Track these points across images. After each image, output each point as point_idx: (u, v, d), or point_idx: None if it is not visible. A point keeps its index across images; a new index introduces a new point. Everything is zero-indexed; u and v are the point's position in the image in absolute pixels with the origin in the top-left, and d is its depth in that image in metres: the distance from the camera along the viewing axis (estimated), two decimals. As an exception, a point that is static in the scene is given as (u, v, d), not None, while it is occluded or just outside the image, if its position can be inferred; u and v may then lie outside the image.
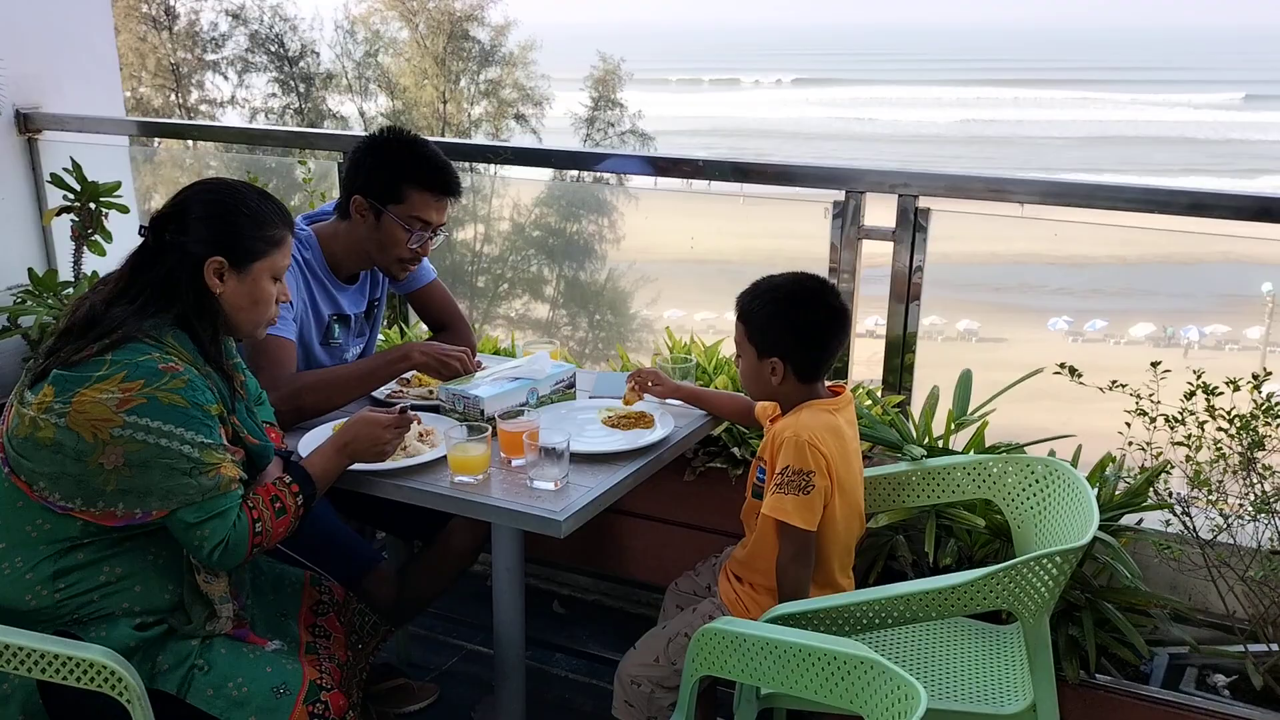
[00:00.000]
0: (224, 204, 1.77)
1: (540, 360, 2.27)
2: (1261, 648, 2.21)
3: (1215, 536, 2.19)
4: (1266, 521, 2.14)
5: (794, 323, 1.93)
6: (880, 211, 2.67)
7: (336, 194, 2.56)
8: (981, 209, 2.59)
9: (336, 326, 2.43)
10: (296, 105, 23.95)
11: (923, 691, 1.31)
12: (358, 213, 2.31)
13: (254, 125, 12.91)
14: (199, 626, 1.75)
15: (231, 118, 23.14)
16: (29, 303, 3.48)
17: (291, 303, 2.13)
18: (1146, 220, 2.57)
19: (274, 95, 23.80)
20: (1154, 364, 2.20)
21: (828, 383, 2.01)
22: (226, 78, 23.41)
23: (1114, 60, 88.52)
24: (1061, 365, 2.29)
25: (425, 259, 2.60)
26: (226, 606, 1.79)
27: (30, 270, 3.60)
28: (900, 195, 2.59)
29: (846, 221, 2.67)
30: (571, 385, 2.32)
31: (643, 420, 2.16)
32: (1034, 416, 2.66)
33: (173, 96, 22.28)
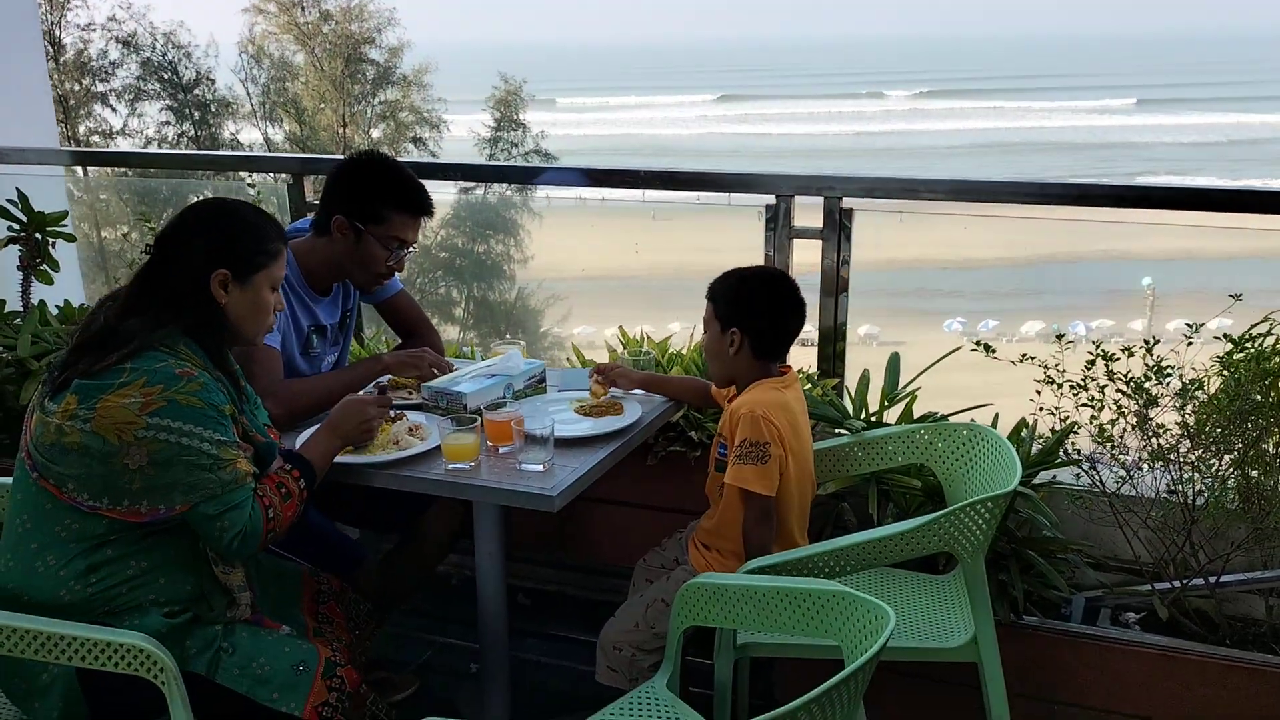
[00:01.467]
0: (225, 221, 1.93)
1: (513, 358, 2.45)
2: (1165, 585, 2.50)
3: (1119, 488, 2.48)
4: (1162, 471, 2.44)
5: (754, 298, 2.19)
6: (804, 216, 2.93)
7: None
8: (898, 207, 2.86)
9: (315, 337, 2.57)
10: (192, 133, 23.46)
11: (890, 611, 1.54)
12: (338, 231, 2.46)
13: (202, 152, 12.65)
14: (221, 613, 1.89)
15: (124, 147, 22.53)
16: (-22, 333, 3.51)
17: (284, 312, 2.27)
18: (1040, 211, 2.88)
19: (168, 123, 23.28)
20: (1059, 336, 2.49)
21: (777, 365, 2.25)
22: (115, 110, 22.80)
23: (1007, 69, 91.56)
24: (977, 343, 2.57)
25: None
26: (245, 595, 1.93)
27: (-22, 301, 3.62)
28: (826, 197, 2.84)
29: (779, 224, 2.92)
30: (543, 380, 2.51)
31: (613, 408, 2.36)
32: (953, 397, 2.93)
33: (65, 129, 21.61)
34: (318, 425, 2.11)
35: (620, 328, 3.02)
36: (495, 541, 2.35)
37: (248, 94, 23.99)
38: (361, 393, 2.50)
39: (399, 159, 2.59)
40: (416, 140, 24.29)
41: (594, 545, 3.07)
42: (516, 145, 25.01)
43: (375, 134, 24.26)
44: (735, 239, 2.96)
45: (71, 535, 1.80)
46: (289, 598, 2.13)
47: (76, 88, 22.19)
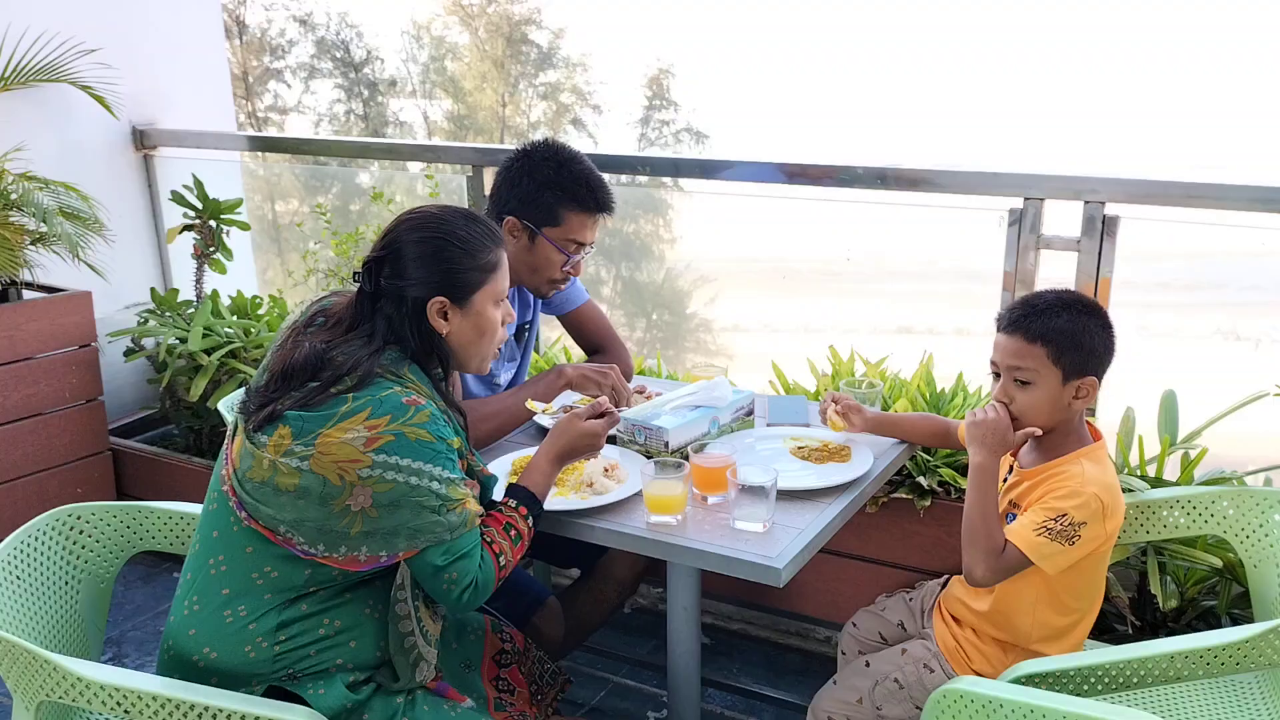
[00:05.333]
0: (435, 240, 1.67)
1: (720, 386, 2.13)
2: None
3: None
4: None
5: (1101, 335, 1.78)
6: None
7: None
8: (1176, 216, 2.40)
9: (491, 350, 2.32)
10: (360, 111, 24.15)
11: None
12: (510, 234, 2.20)
13: (378, 139, 12.91)
14: (408, 680, 1.65)
15: (296, 123, 23.41)
16: (151, 323, 3.44)
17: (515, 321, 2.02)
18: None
19: (339, 101, 24.03)
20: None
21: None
22: (289, 86, 23.66)
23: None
24: (1282, 387, 2.10)
25: (578, 280, 2.49)
26: (432, 651, 1.68)
27: (153, 290, 3.56)
28: (1086, 202, 2.41)
29: (1023, 230, 2.50)
30: (751, 412, 2.18)
31: (839, 453, 2.01)
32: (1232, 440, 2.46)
33: (245, 104, 22.57)
34: (519, 454, 1.85)
35: (831, 347, 2.65)
36: (691, 594, 2.05)
37: (407, 74, 24.51)
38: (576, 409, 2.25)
39: (575, 149, 2.28)
40: (575, 122, 24.33)
41: (794, 594, 2.73)
42: (667, 124, 24.77)
43: (534, 115, 24.42)
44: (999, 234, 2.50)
45: (269, 585, 1.58)
46: (469, 657, 1.87)
47: (257, 64, 23.11)
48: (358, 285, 1.68)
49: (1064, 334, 1.76)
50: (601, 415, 1.84)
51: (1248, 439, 2.34)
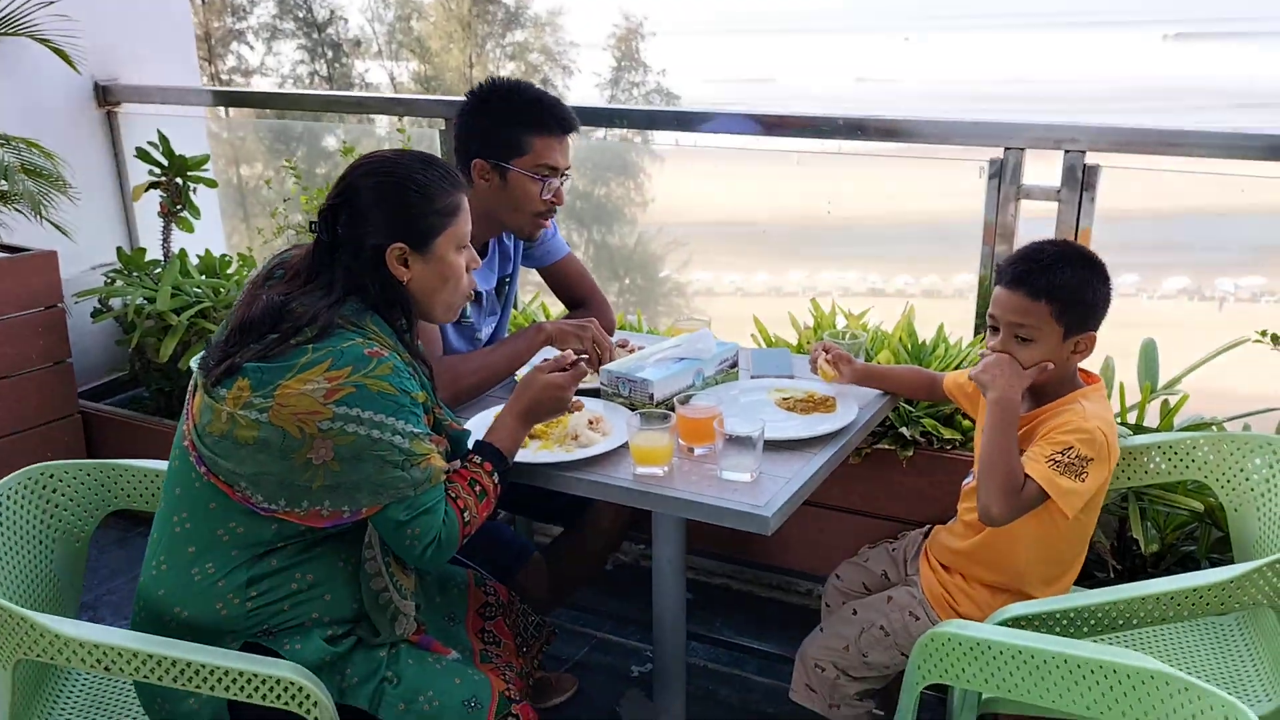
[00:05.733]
0: (391, 185, 1.62)
1: (704, 338, 2.10)
2: None
3: None
4: None
5: (1101, 290, 1.77)
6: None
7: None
8: (1154, 164, 2.40)
9: (468, 305, 2.29)
10: (325, 72, 23.75)
11: (1252, 717, 1.16)
12: (480, 177, 2.16)
13: (347, 93, 12.65)
14: (388, 634, 1.63)
15: (260, 86, 22.99)
16: (119, 282, 3.37)
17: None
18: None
19: (302, 62, 23.61)
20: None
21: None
22: (252, 47, 23.21)
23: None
24: (1263, 333, 2.12)
25: (559, 234, 2.45)
26: (409, 604, 1.66)
27: (119, 249, 3.48)
28: (1067, 151, 2.40)
29: (1004, 181, 2.49)
30: (735, 364, 2.16)
31: (824, 404, 2.00)
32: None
33: (207, 67, 22.11)
34: (500, 408, 1.82)
35: (813, 300, 2.64)
36: (677, 547, 2.05)
37: (373, 34, 24.10)
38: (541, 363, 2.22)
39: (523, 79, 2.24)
40: (544, 83, 24.06)
41: (776, 547, 2.74)
42: (637, 85, 24.56)
43: (503, 75, 24.10)
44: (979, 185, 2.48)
45: (236, 541, 1.55)
46: (453, 610, 1.86)
47: (218, 25, 22.62)
48: (315, 235, 1.64)
49: (1067, 290, 1.74)
50: (567, 369, 1.80)
51: (1225, 395, 2.34)
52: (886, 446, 2.31)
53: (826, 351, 2.04)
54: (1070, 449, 1.71)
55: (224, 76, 22.31)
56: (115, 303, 3.40)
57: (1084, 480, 1.70)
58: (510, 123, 2.12)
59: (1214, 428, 2.14)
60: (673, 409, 1.86)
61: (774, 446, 1.85)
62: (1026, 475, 1.72)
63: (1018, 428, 1.78)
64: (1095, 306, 1.76)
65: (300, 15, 23.10)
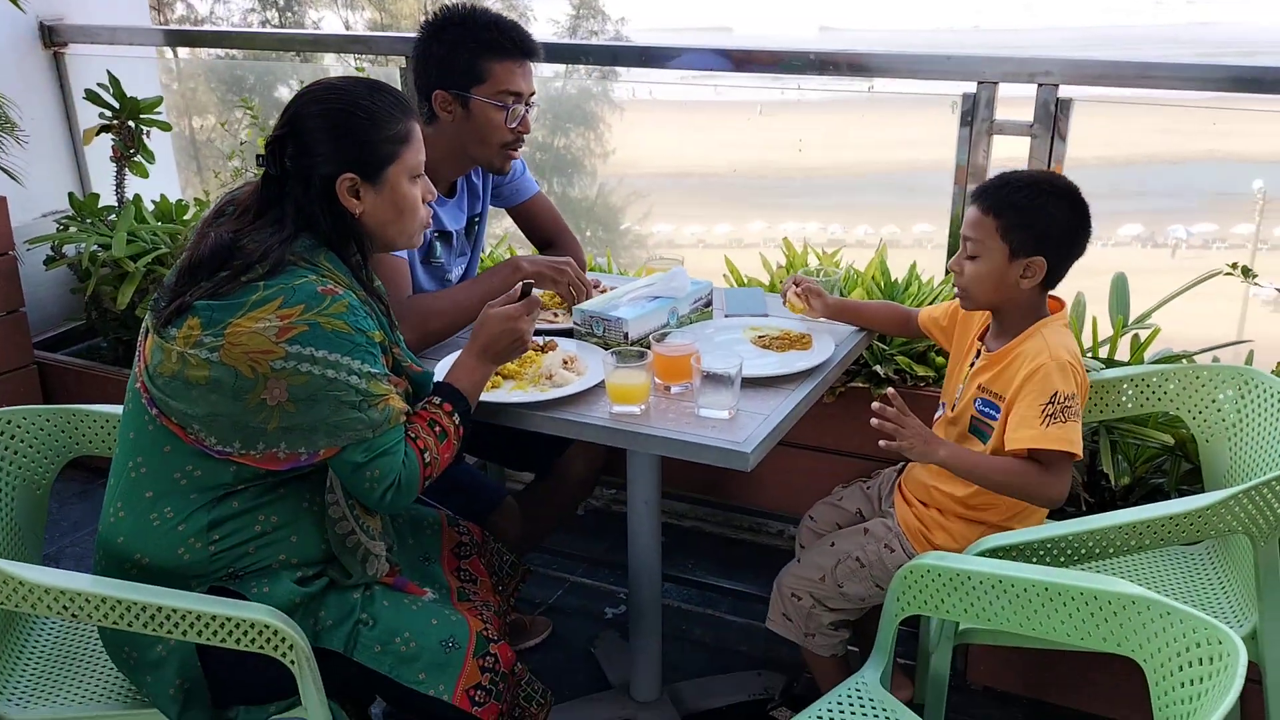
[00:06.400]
0: (338, 112, 1.55)
1: (678, 276, 2.07)
2: None
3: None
4: None
5: (1060, 217, 1.74)
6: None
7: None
8: (1129, 96, 2.39)
9: (438, 244, 2.24)
10: (277, 21, 23.14)
11: (1238, 643, 1.16)
12: (443, 110, 2.09)
13: (304, 31, 12.17)
14: (360, 575, 1.60)
15: (211, 34, 22.37)
16: (72, 229, 3.27)
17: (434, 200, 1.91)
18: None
19: (253, 10, 22.98)
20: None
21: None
22: (202, -3, 22.53)
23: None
24: (1233, 265, 2.12)
25: (527, 172, 2.40)
26: (379, 545, 1.63)
27: (71, 195, 3.38)
28: (1040, 85, 2.38)
29: (977, 116, 2.47)
30: (709, 303, 2.14)
31: (800, 341, 1.98)
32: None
33: (156, 17, 21.48)
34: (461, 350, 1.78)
35: (785, 239, 2.61)
36: (652, 487, 2.04)
37: (328, -22, 23.52)
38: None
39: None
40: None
41: (750, 487, 2.74)
42: (596, 34, 24.19)
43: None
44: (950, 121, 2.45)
45: (193, 484, 1.51)
46: (428, 550, 1.83)
47: (164, -29, 21.93)
48: (263, 168, 1.57)
49: (1018, 210, 1.73)
50: (532, 306, 1.73)
51: (1193, 337, 2.35)
52: (861, 385, 2.30)
53: (797, 285, 2.03)
54: (1055, 393, 1.70)
55: (173, 27, 21.70)
56: (69, 250, 3.31)
57: (1077, 417, 1.71)
58: (467, 49, 2.05)
59: (1184, 360, 2.15)
60: (648, 347, 1.83)
61: (751, 384, 1.83)
62: (1033, 452, 1.72)
63: (987, 366, 1.79)
64: (1047, 233, 1.74)
65: (250, -40, 22.46)
